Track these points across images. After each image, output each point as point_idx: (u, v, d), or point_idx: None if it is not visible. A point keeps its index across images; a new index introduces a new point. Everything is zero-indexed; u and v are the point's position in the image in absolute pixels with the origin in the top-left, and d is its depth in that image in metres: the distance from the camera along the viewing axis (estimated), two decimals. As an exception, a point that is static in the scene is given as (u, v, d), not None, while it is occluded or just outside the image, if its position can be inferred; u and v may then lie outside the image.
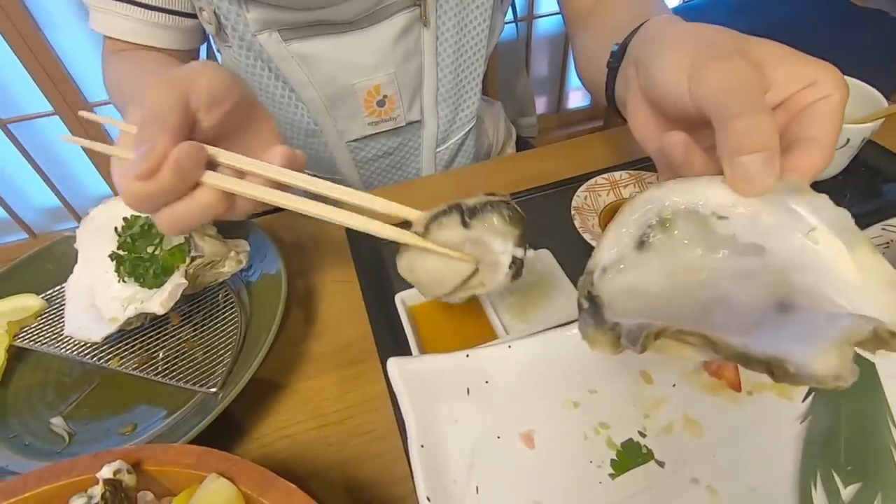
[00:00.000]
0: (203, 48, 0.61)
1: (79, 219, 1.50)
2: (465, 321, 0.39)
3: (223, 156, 0.31)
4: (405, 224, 0.33)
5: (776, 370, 0.19)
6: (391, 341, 0.39)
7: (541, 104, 1.74)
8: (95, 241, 0.40)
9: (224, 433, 0.36)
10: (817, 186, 0.23)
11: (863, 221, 0.40)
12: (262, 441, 0.36)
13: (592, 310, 0.25)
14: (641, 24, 0.37)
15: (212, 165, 0.31)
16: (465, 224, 0.31)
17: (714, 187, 0.25)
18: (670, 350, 0.23)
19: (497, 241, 0.31)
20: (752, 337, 0.21)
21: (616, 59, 0.39)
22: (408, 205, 0.51)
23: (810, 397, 0.31)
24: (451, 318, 0.40)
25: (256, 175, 0.31)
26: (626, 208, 0.26)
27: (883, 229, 0.40)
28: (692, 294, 0.25)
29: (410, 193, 0.56)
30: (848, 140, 0.43)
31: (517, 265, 0.32)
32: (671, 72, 0.28)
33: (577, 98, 1.77)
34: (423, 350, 0.38)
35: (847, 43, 1.15)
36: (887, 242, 0.39)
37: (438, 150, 0.64)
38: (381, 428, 0.36)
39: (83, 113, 0.36)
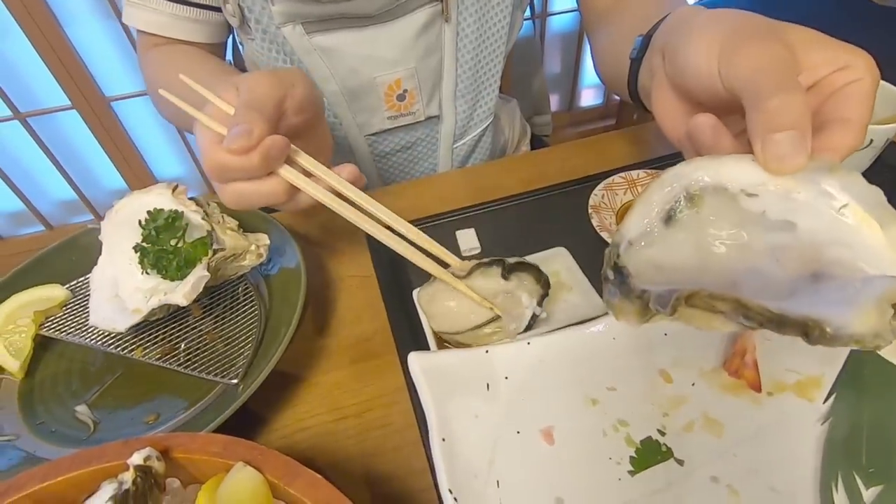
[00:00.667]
0: (229, 41, 0.62)
1: (95, 211, 1.52)
2: (483, 317, 0.40)
3: (301, 155, 0.36)
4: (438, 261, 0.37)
5: (812, 331, 0.19)
6: (409, 336, 0.39)
7: (553, 102, 1.73)
8: (119, 233, 0.41)
9: (245, 424, 0.37)
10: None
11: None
12: (282, 432, 0.37)
13: (619, 280, 0.25)
14: (666, 16, 0.37)
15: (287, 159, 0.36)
16: (504, 276, 0.37)
17: (743, 165, 0.25)
18: (698, 320, 0.23)
19: (525, 296, 0.36)
20: (787, 303, 0.21)
21: (640, 50, 0.39)
22: (423, 200, 0.52)
23: (831, 399, 0.31)
24: (468, 315, 0.40)
25: (321, 179, 0.36)
26: (654, 183, 0.27)
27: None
28: (719, 269, 0.25)
29: (426, 190, 0.57)
30: (871, 141, 0.43)
31: (532, 320, 0.36)
32: (701, 56, 0.28)
33: (589, 96, 1.76)
34: (441, 346, 0.38)
35: (869, 43, 1.13)
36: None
37: (455, 145, 0.65)
38: (399, 422, 0.36)
39: (163, 92, 0.39)
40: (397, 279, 0.44)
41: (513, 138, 0.76)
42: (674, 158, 0.32)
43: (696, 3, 1.53)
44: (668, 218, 0.27)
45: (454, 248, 0.47)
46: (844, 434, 0.29)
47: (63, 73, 1.23)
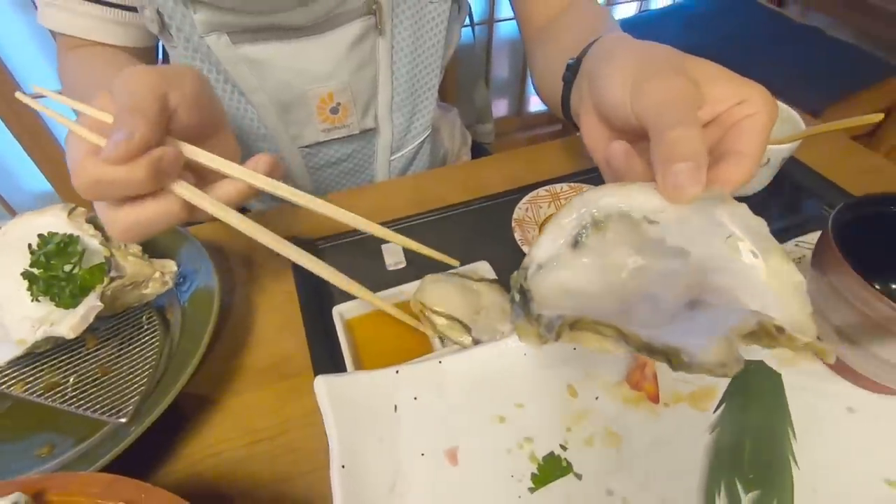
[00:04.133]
0: (159, 45, 0.59)
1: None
2: (403, 335, 0.40)
3: (202, 156, 0.31)
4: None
5: (673, 359, 0.21)
6: (327, 355, 0.39)
7: (502, 107, 1.76)
8: (7, 258, 0.38)
9: (149, 453, 0.35)
10: (743, 200, 0.25)
11: (781, 236, 0.43)
12: (190, 460, 0.35)
13: (523, 302, 0.26)
14: (595, 41, 0.38)
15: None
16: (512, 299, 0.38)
17: (647, 193, 0.26)
18: (591, 342, 0.24)
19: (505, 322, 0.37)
20: (661, 330, 0.22)
21: (571, 73, 0.40)
22: (362, 208, 0.52)
23: (720, 408, 0.33)
24: (388, 332, 0.40)
25: (234, 179, 0.32)
26: (564, 209, 0.28)
27: (796, 245, 0.43)
28: (620, 292, 0.27)
29: (357, 200, 0.56)
30: (768, 160, 0.46)
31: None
32: (616, 86, 0.29)
33: (537, 101, 1.79)
34: (360, 364, 0.38)
35: (786, 58, 1.21)
36: (800, 258, 0.42)
37: (393, 158, 0.64)
38: (314, 445, 0.36)
39: (20, 95, 0.35)
40: (318, 295, 0.44)
41: (453, 148, 0.76)
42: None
43: (640, 16, 1.58)
44: (576, 242, 0.28)
45: (379, 263, 0.47)
46: (730, 442, 0.31)
47: (-25, 67, 1.14)
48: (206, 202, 0.31)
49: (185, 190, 0.31)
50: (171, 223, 0.31)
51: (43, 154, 1.32)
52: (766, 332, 0.22)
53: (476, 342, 0.36)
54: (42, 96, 0.35)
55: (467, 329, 0.36)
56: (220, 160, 0.32)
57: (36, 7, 0.51)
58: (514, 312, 0.26)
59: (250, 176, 0.32)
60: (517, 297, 0.27)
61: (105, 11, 0.50)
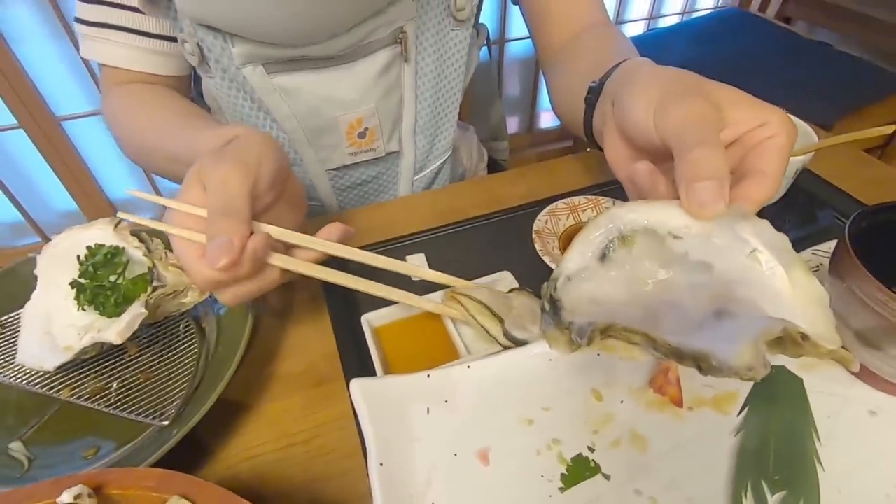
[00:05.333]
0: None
1: (42, 234, 1.46)
2: (429, 342, 0.41)
3: (286, 234, 0.36)
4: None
5: (702, 363, 0.22)
6: (356, 362, 0.40)
7: (513, 124, 1.79)
8: (56, 269, 0.40)
9: (189, 455, 0.36)
10: (759, 212, 0.26)
11: (798, 246, 0.44)
12: (227, 462, 0.37)
13: (553, 311, 0.27)
14: (618, 65, 0.40)
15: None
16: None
17: (671, 210, 0.28)
18: (620, 350, 0.25)
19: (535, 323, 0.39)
20: (689, 337, 0.23)
21: (594, 95, 0.42)
22: (383, 222, 0.55)
23: (744, 411, 0.33)
24: (415, 339, 0.41)
25: (311, 250, 0.36)
26: (592, 224, 0.29)
27: (814, 253, 0.44)
28: (646, 304, 0.28)
29: (379, 215, 0.58)
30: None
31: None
32: (641, 108, 0.31)
33: (548, 118, 1.82)
34: (388, 370, 0.39)
35: (795, 73, 1.23)
36: (817, 266, 0.43)
37: (415, 178, 0.66)
38: (347, 447, 0.37)
39: (122, 215, 0.40)
40: (346, 304, 0.45)
41: (471, 166, 0.78)
42: (617, 183, 0.35)
43: (649, 33, 1.61)
44: (603, 256, 0.29)
45: (404, 274, 0.49)
46: (755, 444, 0.32)
47: (9, 92, 1.19)
48: (299, 267, 0.36)
49: (279, 260, 0.35)
50: (273, 288, 0.36)
51: (70, 174, 1.37)
52: (792, 340, 0.23)
53: (507, 334, 0.37)
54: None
55: (500, 319, 0.37)
56: (301, 236, 0.36)
57: (68, 36, 0.54)
58: (545, 322, 0.27)
59: (327, 246, 0.37)
60: (547, 306, 0.28)
61: (144, 42, 0.53)
